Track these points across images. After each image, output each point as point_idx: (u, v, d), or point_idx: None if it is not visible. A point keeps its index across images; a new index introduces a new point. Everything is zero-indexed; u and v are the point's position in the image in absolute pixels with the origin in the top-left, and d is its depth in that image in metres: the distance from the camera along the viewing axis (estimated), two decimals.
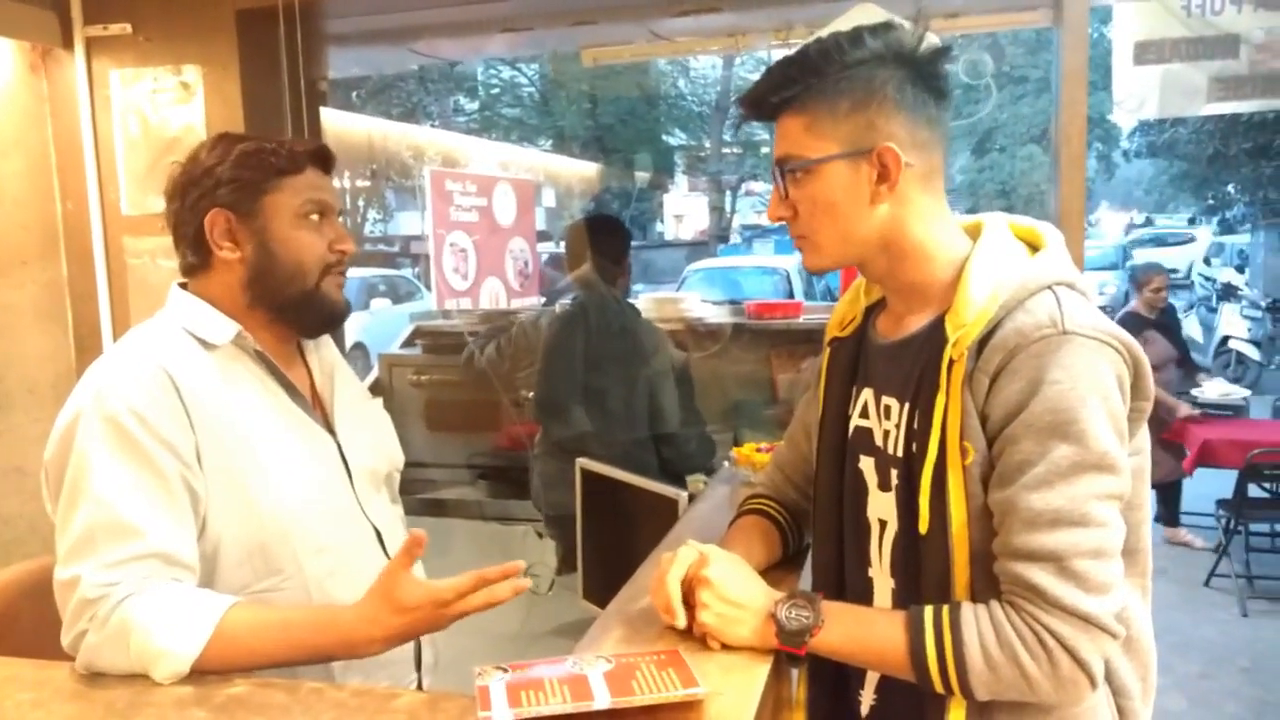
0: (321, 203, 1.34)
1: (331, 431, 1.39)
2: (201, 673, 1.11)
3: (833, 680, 1.25)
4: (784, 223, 1.16)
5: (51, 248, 2.51)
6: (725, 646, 1.10)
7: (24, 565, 1.48)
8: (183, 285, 1.37)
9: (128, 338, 1.31)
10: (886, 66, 1.08)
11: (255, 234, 1.31)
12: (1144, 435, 1.10)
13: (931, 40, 1.09)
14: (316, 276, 1.33)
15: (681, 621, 1.12)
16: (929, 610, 1.04)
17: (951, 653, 1.00)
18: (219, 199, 1.30)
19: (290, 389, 1.36)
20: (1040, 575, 0.98)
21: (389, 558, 1.35)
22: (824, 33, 1.20)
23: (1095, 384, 1.00)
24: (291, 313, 1.34)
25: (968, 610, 1.02)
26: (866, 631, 1.08)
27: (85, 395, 1.21)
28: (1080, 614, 0.97)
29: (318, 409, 1.41)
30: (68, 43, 2.44)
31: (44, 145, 2.49)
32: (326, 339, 1.48)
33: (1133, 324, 4.94)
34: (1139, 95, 2.82)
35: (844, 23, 1.73)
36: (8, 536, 2.42)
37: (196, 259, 1.34)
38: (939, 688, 1.02)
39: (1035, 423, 0.99)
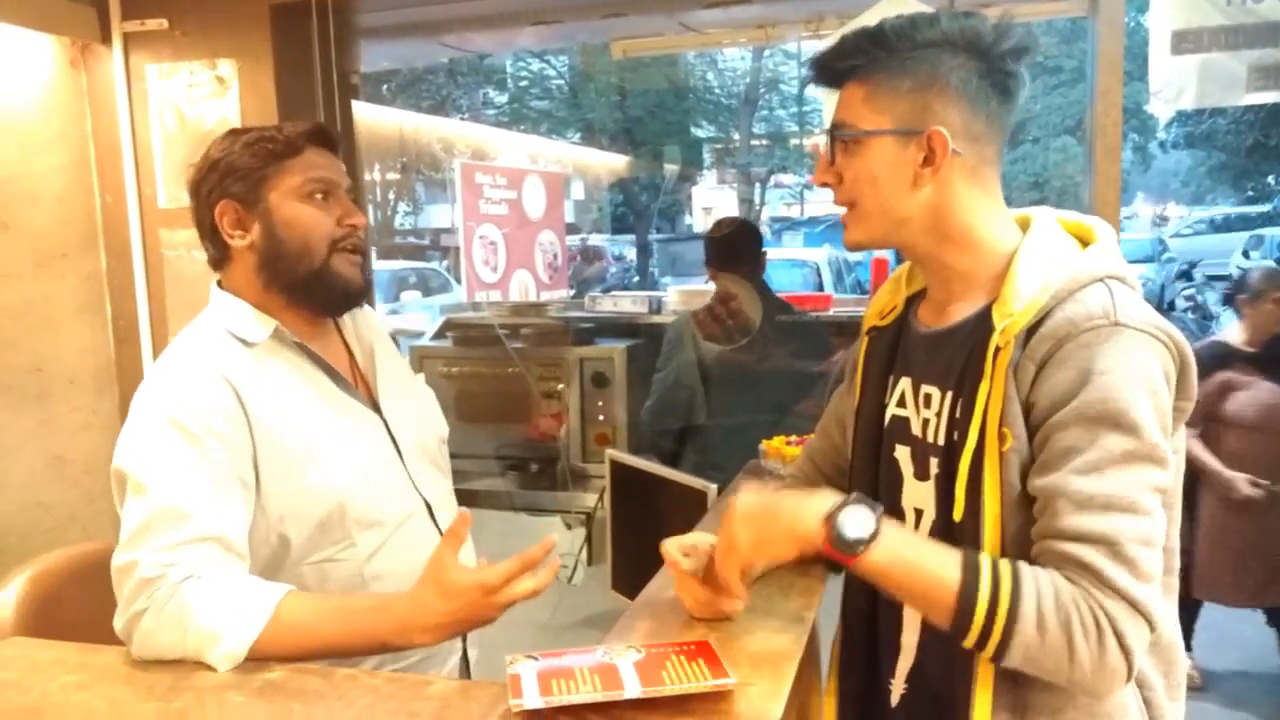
0: (324, 180, 1.35)
1: (378, 409, 1.42)
2: (258, 659, 1.13)
3: (863, 670, 1.26)
4: (827, 188, 1.17)
5: (91, 241, 2.56)
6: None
7: (68, 550, 1.52)
8: (221, 283, 1.40)
9: (179, 344, 1.34)
10: (957, 54, 1.08)
11: (260, 219, 1.33)
12: (1181, 435, 1.09)
13: (1012, 39, 1.08)
14: (325, 253, 1.35)
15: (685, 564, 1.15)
16: (986, 559, 0.99)
17: (1006, 605, 0.96)
18: (226, 190, 1.33)
19: (332, 374, 1.38)
20: (1095, 556, 0.96)
21: (439, 529, 1.40)
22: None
23: (1145, 377, 0.99)
24: (304, 292, 1.36)
25: (1027, 568, 0.98)
26: (918, 558, 1.02)
27: (149, 401, 1.26)
28: (1131, 599, 0.95)
29: (361, 388, 1.44)
30: (106, 38, 2.48)
31: (84, 140, 2.53)
32: (366, 317, 1.50)
33: (1222, 360, 3.25)
34: (1176, 85, 2.77)
35: (875, 14, 1.73)
36: (49, 523, 2.47)
37: (216, 251, 1.38)
38: (971, 640, 0.97)
39: (1086, 410, 0.98)
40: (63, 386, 2.50)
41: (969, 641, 0.98)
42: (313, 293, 1.36)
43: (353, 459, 1.33)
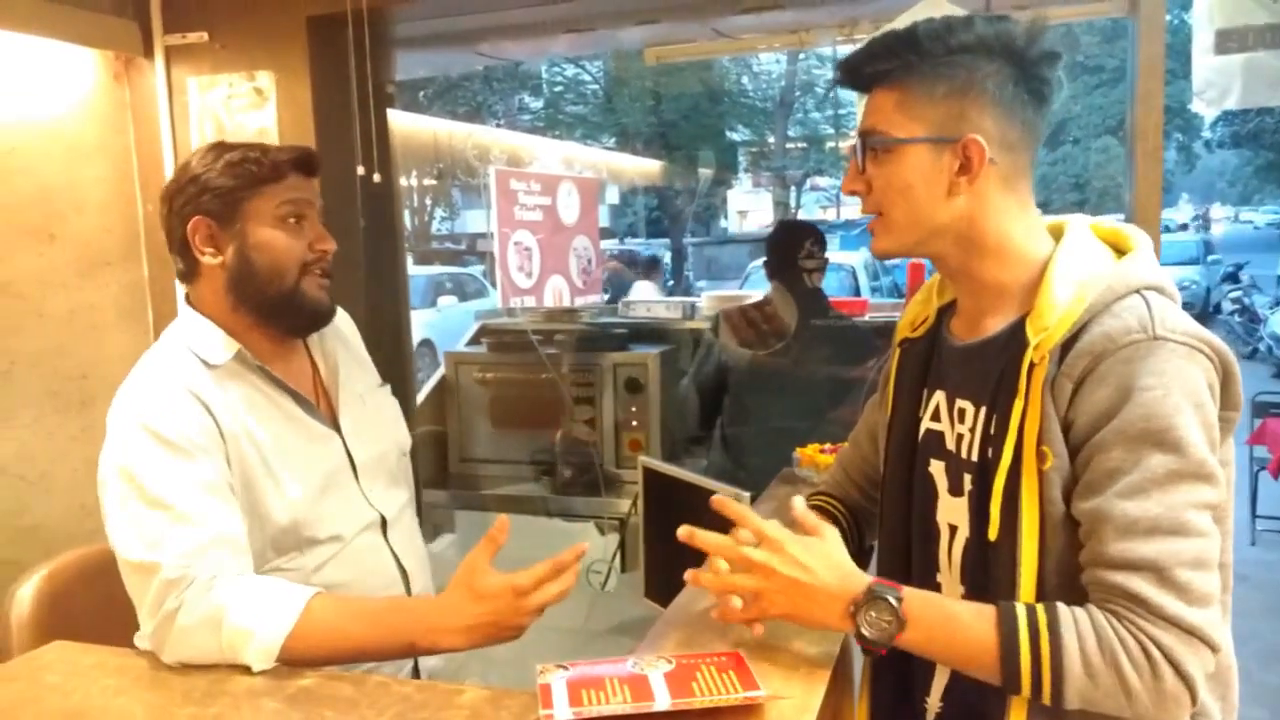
0: (299, 203, 1.37)
1: (337, 426, 1.44)
2: (290, 661, 1.16)
3: (897, 685, 1.24)
4: (856, 196, 1.14)
5: (133, 249, 2.60)
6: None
7: (81, 550, 1.57)
8: (189, 297, 1.42)
9: (146, 362, 1.36)
10: (993, 59, 1.05)
11: (234, 239, 1.35)
12: (1230, 446, 1.06)
13: (1045, 43, 1.06)
14: (295, 276, 1.36)
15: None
16: (1022, 610, 0.98)
17: (1049, 657, 0.94)
18: (202, 206, 1.34)
19: (293, 395, 1.40)
20: (1141, 585, 0.93)
21: (389, 543, 1.42)
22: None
23: (1189, 391, 0.96)
24: (273, 314, 1.38)
25: (1065, 613, 0.96)
26: (952, 631, 1.01)
27: (128, 418, 1.28)
28: (1185, 625, 0.92)
29: (323, 405, 1.46)
30: (148, 51, 2.53)
31: (126, 151, 2.58)
32: (335, 325, 1.50)
33: None
34: (1220, 85, 2.71)
35: (909, 18, 1.71)
36: (92, 526, 2.50)
37: (185, 265, 1.39)
38: (1027, 692, 0.97)
39: (1128, 430, 0.96)
40: (106, 393, 2.51)
41: (1024, 694, 0.97)
42: (281, 314, 1.38)
43: (307, 480, 1.36)
